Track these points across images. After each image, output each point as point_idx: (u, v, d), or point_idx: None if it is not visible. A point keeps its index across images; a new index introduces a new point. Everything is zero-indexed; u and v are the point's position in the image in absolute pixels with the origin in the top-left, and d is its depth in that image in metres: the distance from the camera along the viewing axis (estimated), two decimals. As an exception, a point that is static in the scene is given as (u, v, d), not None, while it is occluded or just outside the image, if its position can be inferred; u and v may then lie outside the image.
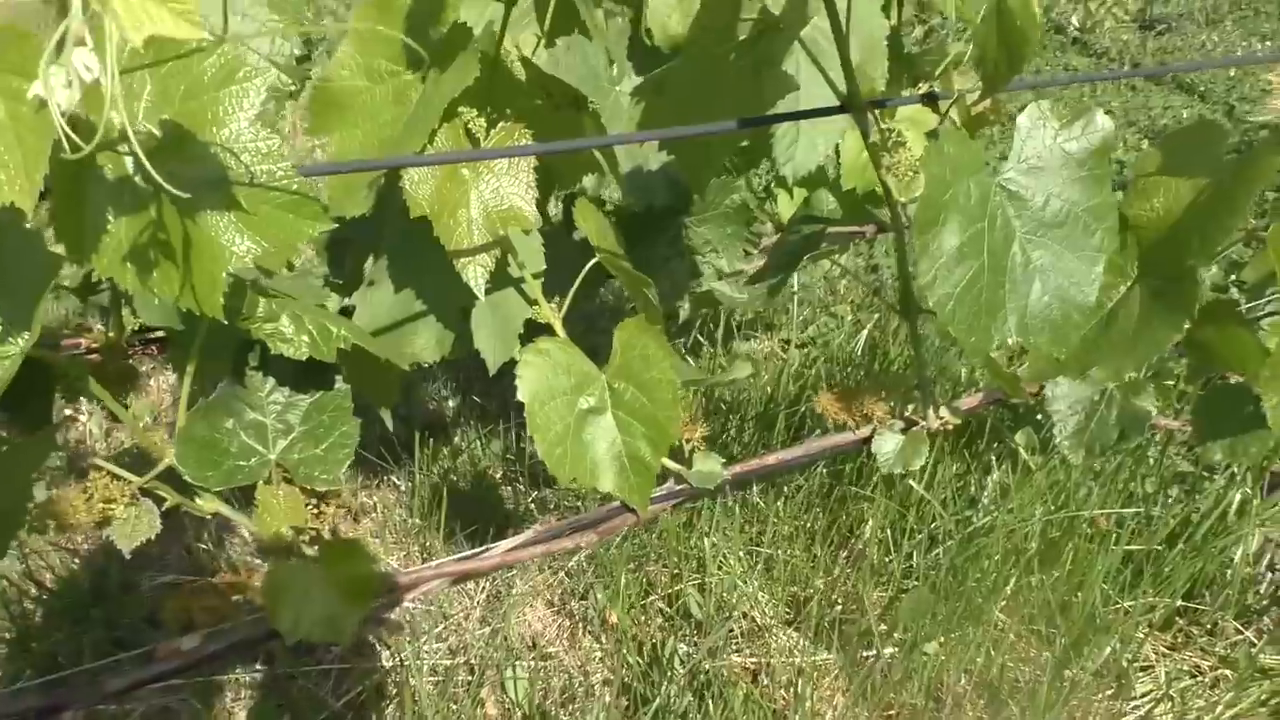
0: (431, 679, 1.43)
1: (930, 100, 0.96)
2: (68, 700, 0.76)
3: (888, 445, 1.09)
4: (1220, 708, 1.38)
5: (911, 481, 1.58)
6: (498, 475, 1.85)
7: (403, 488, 1.80)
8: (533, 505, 1.77)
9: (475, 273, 0.83)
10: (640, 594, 1.55)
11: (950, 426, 1.12)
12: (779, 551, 1.58)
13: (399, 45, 0.81)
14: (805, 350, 2.19)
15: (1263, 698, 1.39)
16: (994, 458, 1.68)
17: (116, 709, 1.33)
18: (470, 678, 1.43)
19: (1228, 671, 1.45)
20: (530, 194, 0.82)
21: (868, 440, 1.11)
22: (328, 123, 0.83)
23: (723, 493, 1.07)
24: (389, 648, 1.47)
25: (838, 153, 1.39)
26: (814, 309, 2.38)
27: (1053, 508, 1.58)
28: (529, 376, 0.84)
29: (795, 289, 2.30)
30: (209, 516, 0.81)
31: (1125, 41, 4.70)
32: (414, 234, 0.86)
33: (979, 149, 0.80)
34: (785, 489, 1.67)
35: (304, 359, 0.76)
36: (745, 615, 1.52)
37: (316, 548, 0.81)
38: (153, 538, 0.75)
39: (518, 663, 1.45)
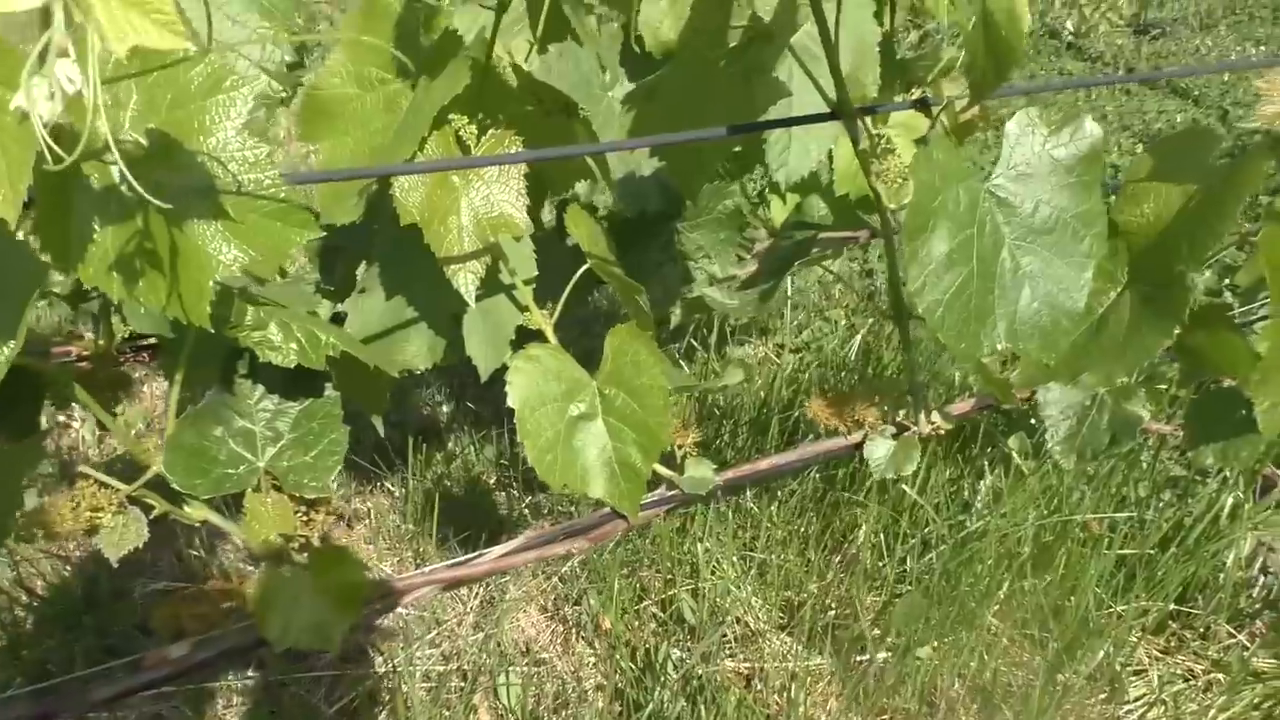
0: (424, 685, 1.42)
1: (922, 106, 0.96)
2: (56, 709, 0.75)
3: (879, 450, 1.09)
4: (1213, 711, 1.38)
5: (905, 486, 1.58)
6: (491, 481, 1.85)
7: (396, 493, 1.80)
8: (526, 510, 1.77)
9: (466, 279, 0.83)
10: (634, 599, 1.55)
11: (942, 431, 1.12)
12: (772, 556, 1.58)
13: (390, 53, 0.81)
14: (799, 355, 2.19)
15: (1255, 701, 1.39)
16: (987, 462, 1.69)
17: (107, 717, 1.33)
18: (463, 684, 1.43)
19: (1220, 675, 1.45)
20: (521, 201, 0.82)
21: (860, 445, 1.11)
22: (318, 130, 0.83)
23: (715, 498, 1.07)
24: (382, 654, 1.47)
25: (831, 158, 1.39)
26: (809, 313, 2.38)
27: (1046, 512, 1.59)
28: (519, 383, 0.84)
29: (790, 293, 2.30)
30: (198, 524, 0.81)
31: (1120, 46, 4.71)
32: (405, 241, 0.86)
33: (968, 155, 0.81)
34: (779, 493, 1.68)
35: (292, 366, 0.76)
36: (738, 620, 1.52)
37: (306, 555, 0.81)
38: (141, 546, 0.74)
39: (511, 668, 1.45)
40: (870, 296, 2.45)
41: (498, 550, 0.91)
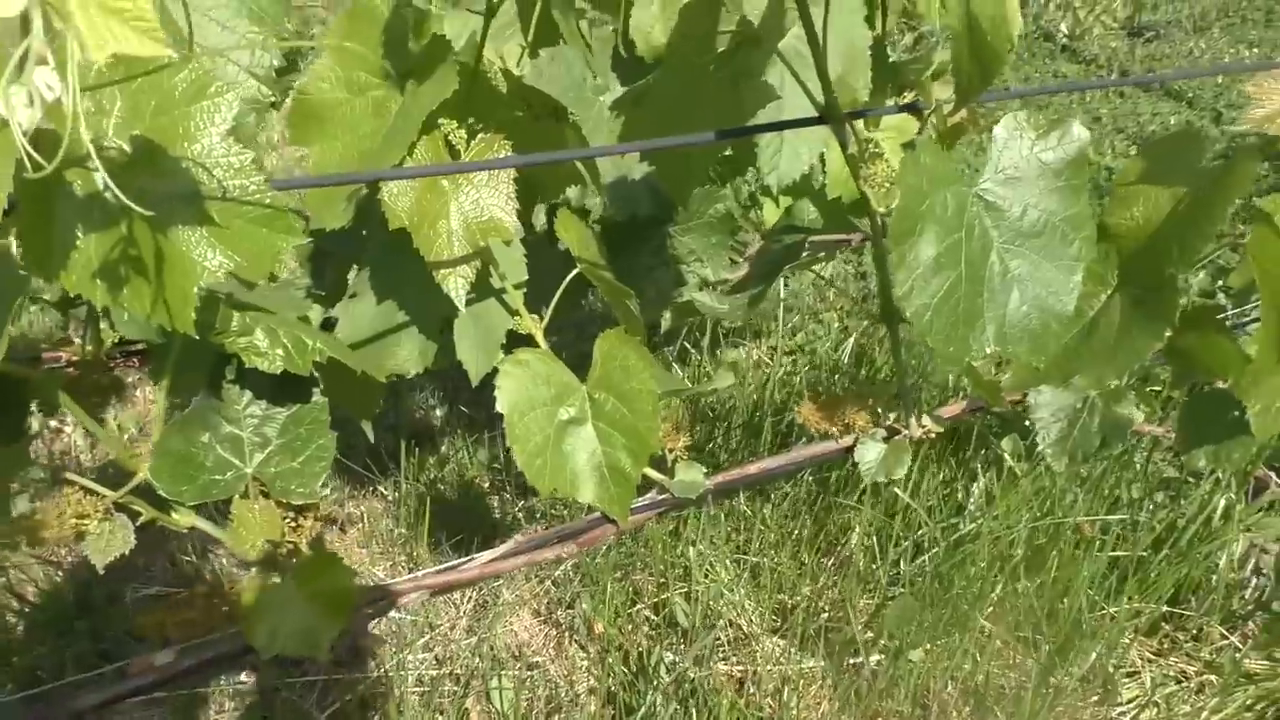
0: (417, 689, 1.42)
1: (914, 110, 0.96)
2: (44, 716, 0.75)
3: (870, 454, 1.10)
4: (1206, 713, 1.38)
5: (897, 489, 1.58)
6: (484, 485, 1.84)
7: (389, 497, 1.80)
8: (519, 514, 1.77)
9: (456, 284, 0.83)
10: (626, 602, 1.55)
11: (933, 435, 1.12)
12: (765, 559, 1.58)
13: (378, 57, 0.81)
14: (793, 357, 2.19)
15: (1248, 703, 1.39)
16: (980, 465, 1.69)
17: (98, 722, 1.32)
18: (456, 688, 1.42)
19: (1213, 677, 1.45)
20: (510, 205, 0.82)
21: (851, 449, 1.11)
22: (307, 134, 0.83)
23: (706, 501, 1.07)
24: (374, 658, 1.46)
25: (824, 161, 1.39)
26: (802, 316, 2.38)
27: (1038, 514, 1.59)
28: (508, 387, 0.84)
29: (784, 296, 2.30)
30: (185, 531, 0.81)
31: (1114, 48, 4.72)
32: (395, 246, 0.86)
33: (956, 159, 0.81)
34: (772, 496, 1.67)
35: (279, 372, 0.76)
36: (731, 623, 1.52)
37: (295, 561, 0.81)
38: (127, 552, 0.74)
39: (503, 672, 1.44)
40: (864, 299, 2.45)
41: (485, 556, 0.91)
